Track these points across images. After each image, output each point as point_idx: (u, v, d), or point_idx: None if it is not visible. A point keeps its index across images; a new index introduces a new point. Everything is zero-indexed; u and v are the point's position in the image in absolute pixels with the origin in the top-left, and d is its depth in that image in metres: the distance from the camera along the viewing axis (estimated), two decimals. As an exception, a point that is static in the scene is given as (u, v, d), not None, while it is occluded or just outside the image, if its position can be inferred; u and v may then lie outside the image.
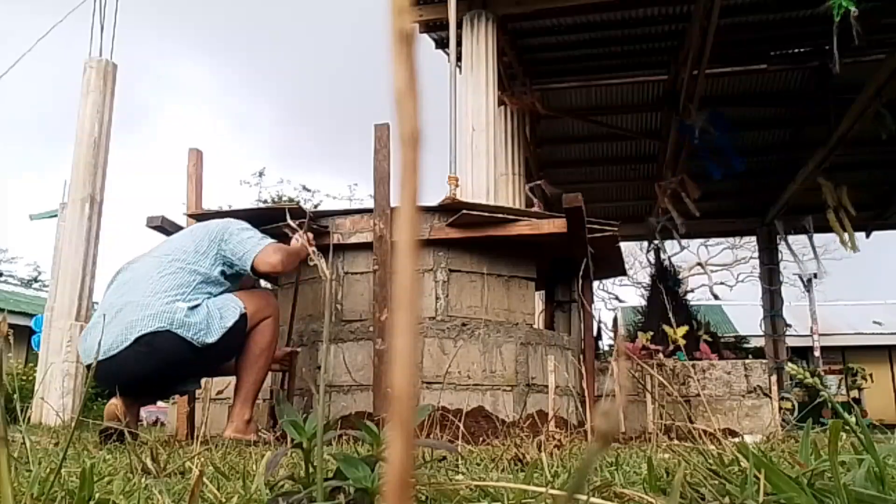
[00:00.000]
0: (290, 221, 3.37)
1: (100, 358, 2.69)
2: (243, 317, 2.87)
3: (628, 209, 12.06)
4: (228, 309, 2.86)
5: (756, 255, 16.22)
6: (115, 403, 2.69)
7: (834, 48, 5.79)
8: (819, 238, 10.84)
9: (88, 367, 2.93)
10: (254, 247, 2.98)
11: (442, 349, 3.54)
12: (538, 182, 8.40)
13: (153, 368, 2.71)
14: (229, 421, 2.90)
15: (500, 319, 3.72)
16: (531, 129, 8.91)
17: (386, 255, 3.49)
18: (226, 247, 2.99)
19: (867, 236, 11.66)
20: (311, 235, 3.38)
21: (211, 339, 2.75)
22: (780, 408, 4.90)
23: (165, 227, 3.69)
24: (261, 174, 21.49)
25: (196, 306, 2.79)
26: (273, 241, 3.06)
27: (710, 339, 6.95)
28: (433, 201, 3.81)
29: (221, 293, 2.97)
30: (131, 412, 2.78)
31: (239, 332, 2.86)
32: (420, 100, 0.26)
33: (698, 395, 4.34)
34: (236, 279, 3.08)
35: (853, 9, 5.25)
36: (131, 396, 2.77)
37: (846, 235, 9.22)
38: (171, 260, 2.93)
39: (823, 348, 11.85)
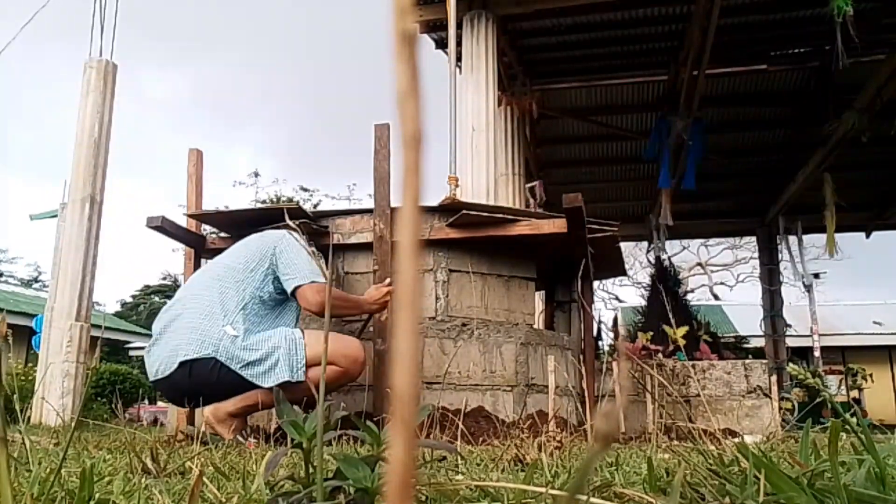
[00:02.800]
0: (289, 222, 3.37)
1: (155, 378, 2.84)
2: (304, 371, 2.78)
3: (628, 209, 12.06)
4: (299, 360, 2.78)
5: (756, 255, 16.22)
6: (206, 415, 2.77)
7: (839, 45, 5.77)
8: (821, 238, 10.83)
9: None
10: (301, 276, 2.90)
11: (442, 349, 3.54)
12: (534, 183, 8.38)
13: (202, 391, 2.73)
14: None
15: (500, 319, 3.72)
16: (531, 129, 8.91)
17: (386, 256, 3.49)
18: (277, 262, 2.96)
19: (867, 236, 11.67)
20: (383, 293, 3.19)
21: (267, 384, 2.70)
22: (780, 408, 4.90)
23: (165, 227, 3.69)
24: (256, 174, 21.48)
25: (247, 337, 2.76)
26: (320, 279, 2.92)
27: (710, 340, 6.95)
28: (433, 201, 3.81)
29: (275, 317, 2.94)
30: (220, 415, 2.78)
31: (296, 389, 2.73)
32: (422, 101, 0.26)
33: (698, 395, 4.34)
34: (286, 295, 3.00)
35: (849, 9, 5.26)
36: (206, 402, 2.79)
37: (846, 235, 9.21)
38: (221, 278, 2.91)
39: (823, 348, 11.85)
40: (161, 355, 2.81)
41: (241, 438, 2.69)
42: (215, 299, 2.84)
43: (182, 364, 2.72)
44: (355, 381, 3.00)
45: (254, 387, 2.73)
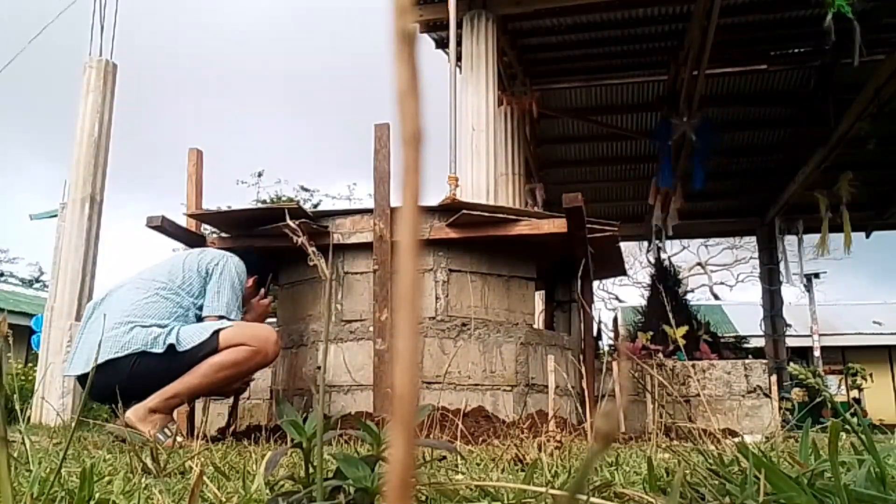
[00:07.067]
0: (289, 222, 3.37)
1: (76, 373, 2.94)
2: (215, 333, 2.89)
3: (628, 209, 12.05)
4: (204, 328, 2.94)
5: (756, 255, 16.21)
6: (127, 416, 2.78)
7: (858, 41, 5.74)
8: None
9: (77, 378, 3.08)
10: (214, 308, 3.05)
11: (442, 349, 3.54)
12: (534, 186, 8.38)
13: (122, 388, 2.72)
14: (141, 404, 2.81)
15: (500, 319, 3.72)
16: (531, 129, 8.91)
17: (386, 255, 3.49)
18: (210, 280, 3.11)
19: (867, 236, 11.66)
20: (264, 305, 3.49)
21: (180, 348, 2.83)
22: (781, 408, 4.90)
23: (165, 227, 3.69)
24: (259, 175, 21.50)
25: (166, 326, 2.91)
26: (231, 317, 3.06)
27: (710, 339, 6.95)
28: (433, 201, 3.81)
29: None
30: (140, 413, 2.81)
31: (207, 345, 2.86)
32: (422, 100, 0.26)
33: (698, 395, 4.34)
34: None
35: (849, 13, 5.27)
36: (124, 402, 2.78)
37: (842, 236, 9.24)
38: (156, 286, 3.03)
39: (823, 348, 11.87)
40: (83, 353, 2.93)
41: (161, 437, 2.63)
42: (144, 307, 2.94)
43: (103, 364, 2.78)
44: (271, 362, 3.08)
45: (171, 378, 2.81)
